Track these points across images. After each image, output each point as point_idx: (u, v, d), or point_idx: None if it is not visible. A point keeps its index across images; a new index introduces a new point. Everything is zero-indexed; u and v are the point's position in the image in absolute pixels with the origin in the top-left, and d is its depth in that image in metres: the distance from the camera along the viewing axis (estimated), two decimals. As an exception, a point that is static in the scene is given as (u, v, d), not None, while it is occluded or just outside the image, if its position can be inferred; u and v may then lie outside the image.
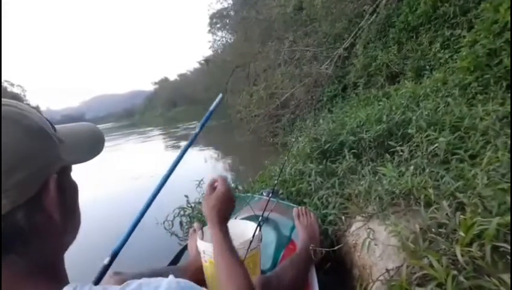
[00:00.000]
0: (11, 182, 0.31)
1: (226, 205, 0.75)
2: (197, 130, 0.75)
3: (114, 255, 0.63)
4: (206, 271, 1.06)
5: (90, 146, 0.45)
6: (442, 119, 1.68)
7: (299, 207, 1.44)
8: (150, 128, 20.09)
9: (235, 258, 0.67)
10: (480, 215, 0.89)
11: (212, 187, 0.79)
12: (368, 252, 1.14)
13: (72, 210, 0.40)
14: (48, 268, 0.36)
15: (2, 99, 0.35)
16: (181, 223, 2.49)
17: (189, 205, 2.51)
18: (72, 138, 0.41)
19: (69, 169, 0.41)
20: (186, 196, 2.56)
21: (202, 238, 1.08)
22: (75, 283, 0.37)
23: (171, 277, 0.41)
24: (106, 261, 0.61)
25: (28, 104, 0.41)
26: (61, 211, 0.36)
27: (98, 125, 0.43)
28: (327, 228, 1.46)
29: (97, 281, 0.59)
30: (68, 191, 0.39)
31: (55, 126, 0.44)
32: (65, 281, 0.38)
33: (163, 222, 2.51)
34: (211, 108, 0.78)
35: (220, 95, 0.82)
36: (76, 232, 0.42)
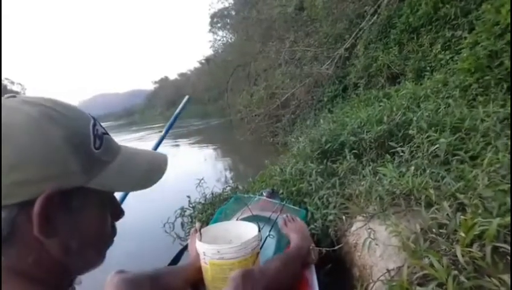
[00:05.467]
0: (5, 180, 0.30)
1: None
2: (163, 133, 0.69)
3: None
4: (205, 273, 1.05)
5: (137, 181, 0.41)
6: (443, 120, 1.68)
7: (284, 216, 1.41)
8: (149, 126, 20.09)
9: None
10: (480, 216, 0.89)
11: None
12: (369, 252, 1.15)
13: (83, 234, 0.37)
14: (32, 274, 0.34)
15: (45, 98, 0.35)
16: (182, 224, 2.48)
17: (190, 205, 2.51)
18: (121, 166, 0.39)
19: (99, 191, 0.37)
20: (188, 197, 2.56)
21: (201, 240, 1.07)
22: None
23: None
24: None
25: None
26: (57, 228, 0.33)
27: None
28: (328, 225, 1.46)
29: None
30: (83, 214, 0.36)
31: (122, 145, 0.42)
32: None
33: (164, 225, 2.50)
34: (177, 111, 0.71)
35: (186, 97, 0.75)
36: (90, 257, 0.39)
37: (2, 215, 0.31)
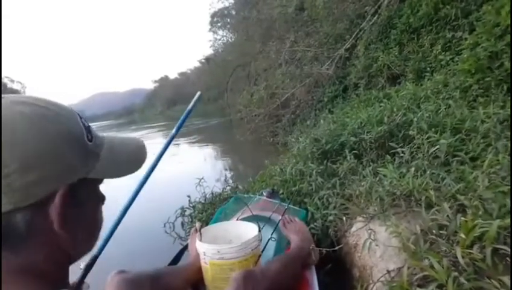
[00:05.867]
0: (19, 182, 0.30)
1: None
2: (173, 131, 0.66)
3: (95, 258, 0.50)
4: (206, 273, 1.05)
5: (127, 165, 0.44)
6: (443, 121, 1.69)
7: (283, 217, 1.41)
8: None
9: None
10: (480, 218, 0.89)
11: None
12: (369, 252, 1.15)
13: (88, 223, 0.40)
14: (42, 270, 0.35)
15: (36, 97, 0.36)
16: (182, 223, 2.49)
17: (190, 205, 2.52)
18: (111, 154, 0.41)
19: (94, 182, 0.40)
20: (188, 196, 2.56)
21: (201, 240, 1.07)
22: None
23: None
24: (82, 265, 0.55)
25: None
26: (68, 222, 0.35)
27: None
28: (328, 225, 1.46)
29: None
30: (87, 205, 0.39)
31: (106, 135, 0.44)
32: (60, 286, 0.37)
33: (164, 225, 2.50)
34: (189, 107, 0.69)
35: (198, 93, 0.74)
36: (90, 244, 0.41)
37: (17, 218, 0.31)
